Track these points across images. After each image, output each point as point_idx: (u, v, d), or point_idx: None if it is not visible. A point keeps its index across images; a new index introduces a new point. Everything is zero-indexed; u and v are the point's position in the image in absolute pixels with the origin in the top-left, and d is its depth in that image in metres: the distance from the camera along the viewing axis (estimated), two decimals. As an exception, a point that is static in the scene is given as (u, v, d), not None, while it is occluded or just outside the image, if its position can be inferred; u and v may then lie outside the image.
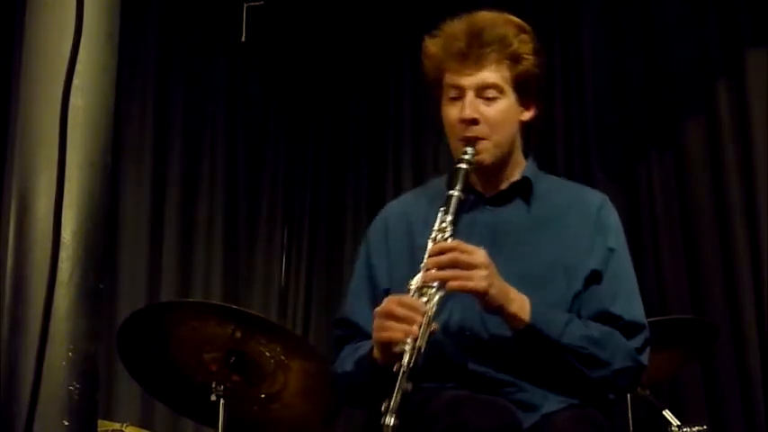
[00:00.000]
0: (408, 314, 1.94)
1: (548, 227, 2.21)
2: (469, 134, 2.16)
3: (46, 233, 1.98)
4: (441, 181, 2.27)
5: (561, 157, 4.37)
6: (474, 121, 2.16)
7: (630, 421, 3.26)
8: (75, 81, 1.78)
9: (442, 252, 2.01)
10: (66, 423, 2.15)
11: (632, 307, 2.17)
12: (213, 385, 2.77)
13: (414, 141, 4.80)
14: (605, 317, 2.13)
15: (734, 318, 3.86)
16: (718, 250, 3.96)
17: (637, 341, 2.13)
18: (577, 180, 4.28)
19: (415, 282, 2.00)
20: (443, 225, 2.06)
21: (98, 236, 2.27)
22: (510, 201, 2.25)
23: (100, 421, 2.81)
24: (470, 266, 2.00)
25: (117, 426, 3.22)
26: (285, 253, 4.97)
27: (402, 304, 1.96)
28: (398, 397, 1.85)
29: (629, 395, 3.22)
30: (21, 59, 2.37)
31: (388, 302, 1.99)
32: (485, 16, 2.20)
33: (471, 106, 2.16)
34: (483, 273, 2.00)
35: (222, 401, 2.75)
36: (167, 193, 4.66)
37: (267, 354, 2.82)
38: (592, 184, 4.19)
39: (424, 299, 1.97)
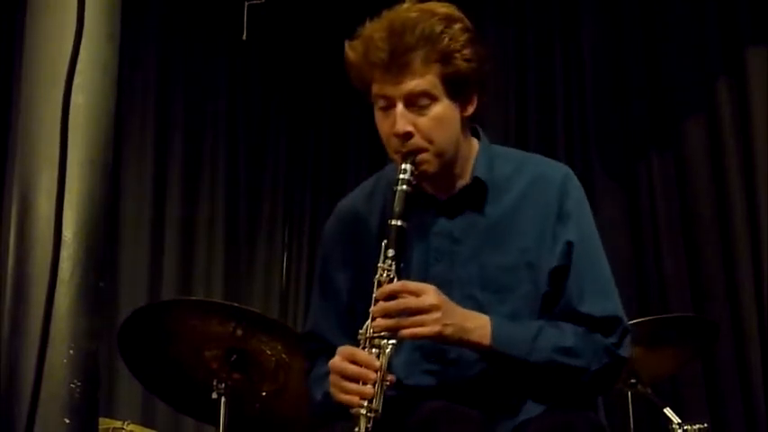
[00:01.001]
0: (361, 373, 1.87)
1: (507, 227, 2.07)
2: (406, 149, 1.99)
3: (47, 232, 1.99)
4: (392, 170, 2.12)
5: (562, 156, 4.36)
6: (408, 135, 1.98)
7: (631, 419, 3.26)
8: (76, 81, 1.79)
9: (388, 296, 1.90)
10: (68, 421, 2.16)
11: (603, 302, 2.04)
12: (214, 383, 2.77)
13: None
14: (575, 317, 2.02)
15: (735, 316, 3.86)
16: (719, 248, 3.96)
17: (614, 337, 2.03)
18: (578, 179, 4.30)
19: (364, 331, 1.92)
20: (387, 262, 1.93)
21: (99, 235, 2.28)
22: (464, 206, 2.10)
23: (101, 419, 2.81)
24: (420, 311, 1.90)
25: (118, 424, 3.22)
26: (286, 251, 4.97)
27: (354, 361, 1.90)
28: None
29: (629, 393, 3.22)
30: (22, 59, 2.37)
31: (341, 358, 1.92)
32: (406, 14, 1.98)
33: (402, 119, 1.97)
34: (435, 315, 1.90)
35: (223, 399, 2.75)
36: (168, 193, 4.66)
37: (268, 352, 2.82)
38: (592, 183, 4.20)
39: (376, 350, 1.90)
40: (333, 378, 1.93)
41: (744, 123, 3.95)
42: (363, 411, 1.86)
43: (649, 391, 3.17)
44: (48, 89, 2.22)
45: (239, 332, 2.76)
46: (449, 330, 1.92)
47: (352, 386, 1.88)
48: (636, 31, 4.28)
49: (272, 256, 4.94)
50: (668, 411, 3.07)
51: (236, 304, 2.91)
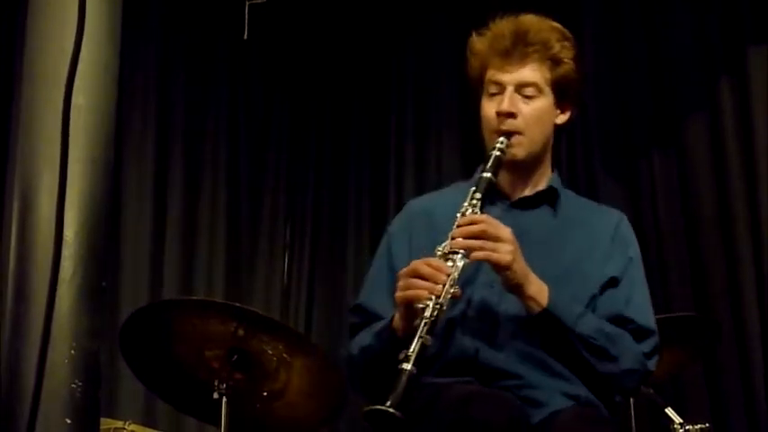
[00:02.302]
0: (433, 273, 1.99)
1: (569, 233, 2.27)
2: (505, 127, 2.22)
3: (48, 232, 1.98)
4: (466, 184, 2.30)
5: (564, 155, 4.36)
6: (511, 115, 2.21)
7: (633, 419, 3.26)
8: (77, 80, 1.79)
9: (470, 223, 2.06)
10: (69, 421, 2.15)
11: (644, 313, 2.22)
12: (215, 383, 2.77)
13: (416, 141, 4.79)
14: (618, 319, 2.17)
15: (737, 316, 3.86)
16: (721, 248, 3.96)
17: (646, 346, 2.18)
18: (580, 178, 4.33)
19: (442, 248, 2.05)
20: (473, 201, 2.11)
21: (100, 234, 2.27)
22: (536, 206, 2.30)
23: (102, 419, 2.81)
24: (497, 239, 2.04)
25: (119, 424, 3.22)
26: (287, 251, 4.97)
27: (428, 264, 2.00)
28: (418, 346, 1.89)
29: (631, 393, 3.22)
30: (22, 59, 2.37)
31: (415, 263, 2.03)
32: (531, 19, 2.29)
33: (510, 101, 2.22)
34: (509, 247, 2.04)
35: (224, 399, 2.75)
36: (169, 192, 4.66)
37: (269, 352, 2.82)
38: (594, 181, 4.21)
39: (450, 263, 2.01)
40: (402, 281, 2.03)
41: (745, 122, 3.95)
42: (430, 303, 1.95)
43: (651, 390, 3.17)
44: (48, 89, 2.22)
45: (241, 332, 2.76)
46: (516, 266, 2.06)
47: (423, 283, 1.99)
48: (637, 29, 4.28)
49: (273, 256, 4.94)
50: (670, 411, 3.08)
51: (237, 304, 2.91)
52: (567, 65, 2.26)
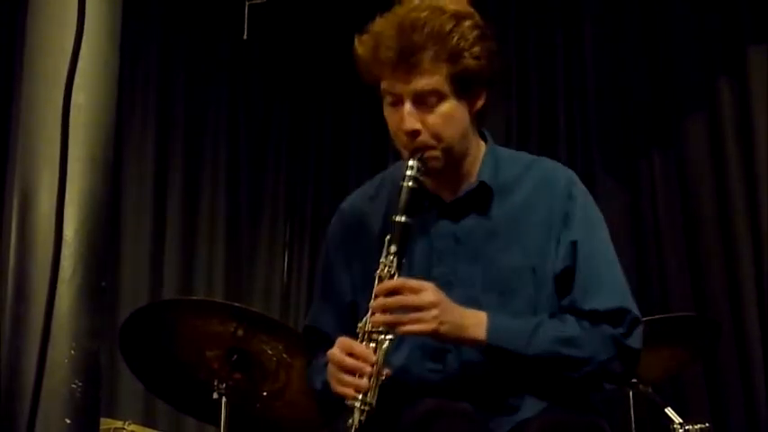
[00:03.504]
0: (357, 365, 1.90)
1: (511, 230, 2.08)
2: (414, 145, 2.01)
3: (48, 231, 1.98)
4: (400, 166, 2.09)
5: (563, 154, 4.36)
6: (416, 133, 2.00)
7: (632, 419, 3.25)
8: (77, 79, 1.78)
9: (388, 292, 1.93)
10: (69, 421, 2.15)
11: (609, 295, 2.04)
12: (215, 383, 2.77)
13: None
14: (580, 314, 2.03)
15: (736, 315, 3.86)
16: (721, 247, 3.96)
17: (622, 327, 2.02)
18: (580, 177, 4.30)
19: (363, 325, 1.95)
20: (389, 257, 1.95)
21: (100, 233, 2.27)
22: (469, 209, 2.10)
23: (102, 419, 2.80)
24: (418, 308, 1.92)
25: (119, 423, 3.22)
26: (287, 251, 4.97)
27: (351, 353, 1.92)
28: None
29: (631, 393, 3.21)
30: (22, 58, 2.37)
31: (339, 350, 1.95)
32: (416, 11, 1.98)
33: (411, 117, 2.00)
34: (432, 313, 1.92)
35: (224, 399, 2.75)
36: (169, 192, 4.66)
37: (269, 352, 2.82)
38: (594, 181, 4.20)
39: (373, 344, 1.92)
40: (330, 369, 1.96)
41: (745, 122, 3.95)
42: (357, 404, 1.89)
43: (650, 390, 3.16)
44: (48, 87, 2.22)
45: (240, 332, 2.76)
46: (445, 328, 1.94)
47: (348, 378, 1.91)
48: (637, 29, 4.28)
49: (273, 255, 4.94)
50: (669, 411, 3.07)
51: (237, 304, 2.91)
52: (469, 54, 1.97)
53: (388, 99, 2.06)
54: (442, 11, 1.99)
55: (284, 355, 2.83)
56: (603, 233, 2.12)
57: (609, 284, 2.07)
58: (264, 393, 2.91)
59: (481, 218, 2.10)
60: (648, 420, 3.60)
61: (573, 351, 1.99)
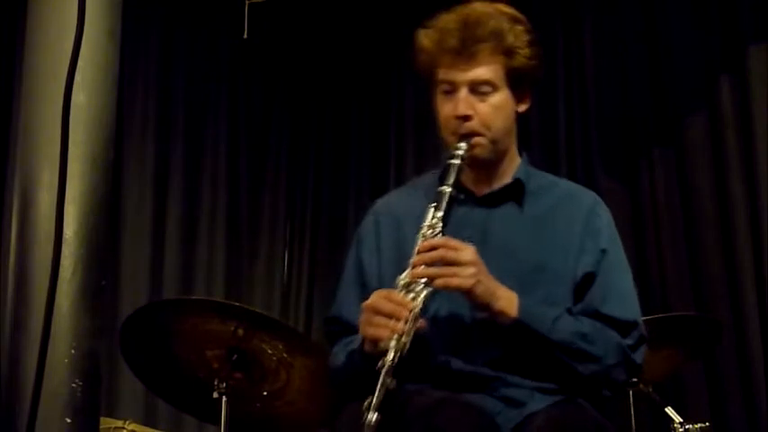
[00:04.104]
0: (394, 310, 1.94)
1: (537, 229, 2.19)
2: (463, 131, 2.14)
3: (48, 230, 1.98)
4: (432, 176, 2.24)
5: (563, 153, 4.36)
6: (467, 118, 2.14)
7: (633, 418, 3.25)
8: (77, 78, 1.79)
9: (430, 248, 2.00)
10: (69, 420, 2.16)
11: (624, 306, 2.15)
12: (215, 383, 2.77)
13: (416, 138, 4.79)
14: (596, 317, 2.11)
15: (736, 315, 3.86)
16: (721, 247, 3.95)
17: (629, 339, 2.12)
18: (580, 177, 4.33)
19: (403, 277, 2.00)
20: (433, 221, 2.04)
21: (100, 233, 2.27)
22: (501, 202, 2.23)
23: (102, 418, 2.80)
24: (457, 264, 1.99)
25: (119, 423, 3.22)
26: (287, 250, 4.97)
27: (389, 300, 1.97)
28: (381, 394, 1.86)
29: (631, 392, 3.22)
30: (23, 57, 2.37)
31: (375, 297, 1.99)
32: (478, 9, 2.17)
33: (465, 102, 2.14)
34: (470, 270, 2.00)
35: (224, 399, 2.75)
36: (169, 191, 4.66)
37: (269, 351, 2.82)
38: (594, 180, 4.20)
39: (411, 295, 1.97)
40: (366, 316, 2.00)
41: (745, 121, 3.95)
42: (393, 344, 1.91)
43: (651, 390, 3.17)
44: (49, 86, 2.22)
45: (240, 331, 2.76)
46: (480, 288, 2.01)
47: (384, 320, 1.95)
48: (638, 27, 4.28)
49: (273, 254, 4.94)
50: (670, 410, 3.07)
51: (237, 303, 2.91)
52: (522, 53, 2.16)
53: (443, 88, 2.19)
54: (501, 12, 2.19)
55: (284, 355, 2.83)
56: (623, 250, 2.25)
57: (626, 297, 2.18)
58: (265, 393, 2.91)
59: (513, 211, 2.21)
60: (649, 419, 3.61)
61: (587, 346, 2.06)
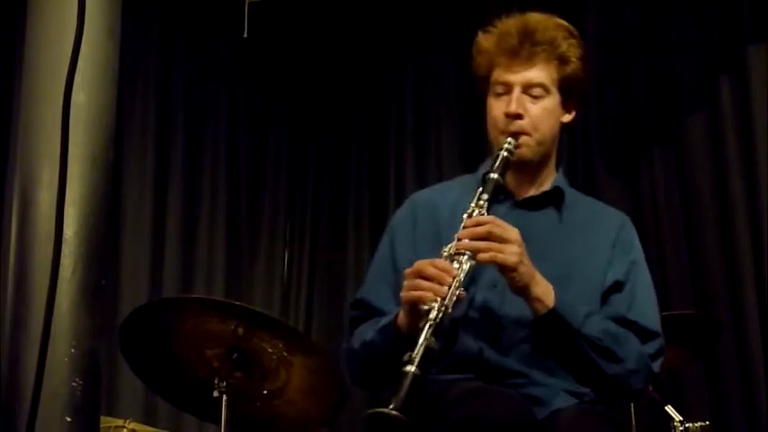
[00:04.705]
0: (439, 274, 1.98)
1: (573, 236, 2.25)
2: (513, 128, 2.21)
3: (48, 230, 1.98)
4: (470, 177, 2.32)
5: (563, 153, 4.35)
6: (518, 116, 2.21)
7: (633, 417, 3.26)
8: (77, 77, 1.79)
9: (477, 224, 2.05)
10: (69, 419, 2.15)
11: (648, 315, 2.21)
12: (215, 381, 2.77)
13: (416, 138, 4.79)
14: (621, 322, 2.16)
15: (737, 314, 3.86)
16: (721, 246, 3.96)
17: (650, 347, 2.17)
18: (580, 177, 4.33)
19: (447, 249, 2.04)
20: (480, 202, 2.09)
21: (100, 232, 2.27)
22: (541, 207, 2.29)
23: (102, 417, 2.81)
24: (504, 240, 2.03)
25: (119, 422, 3.22)
26: (287, 249, 4.97)
27: (434, 265, 2.00)
28: (422, 349, 1.88)
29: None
30: (23, 56, 2.37)
31: (421, 263, 2.02)
32: (537, 17, 2.28)
33: (517, 102, 2.21)
34: (515, 249, 2.03)
35: (224, 398, 2.75)
36: (169, 190, 4.66)
37: (269, 350, 2.82)
38: (594, 179, 4.21)
39: (456, 264, 2.00)
40: (408, 281, 2.02)
41: (745, 120, 3.95)
42: (435, 305, 1.94)
43: (651, 388, 3.17)
44: (48, 86, 2.22)
45: (240, 330, 2.76)
46: (523, 268, 2.05)
47: (428, 284, 1.97)
48: (637, 26, 4.28)
49: (273, 253, 4.94)
50: (670, 409, 3.08)
51: (237, 302, 2.90)
52: (574, 64, 2.25)
53: (497, 89, 2.26)
54: (558, 24, 2.31)
55: (284, 354, 2.83)
56: (647, 268, 2.32)
57: (651, 309, 2.25)
58: (265, 392, 2.91)
59: (553, 216, 2.28)
60: (649, 418, 3.61)
61: (614, 346, 2.11)
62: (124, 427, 3.19)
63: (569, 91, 2.27)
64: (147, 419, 3.91)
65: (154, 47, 4.68)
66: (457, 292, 1.97)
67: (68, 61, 1.76)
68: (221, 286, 4.71)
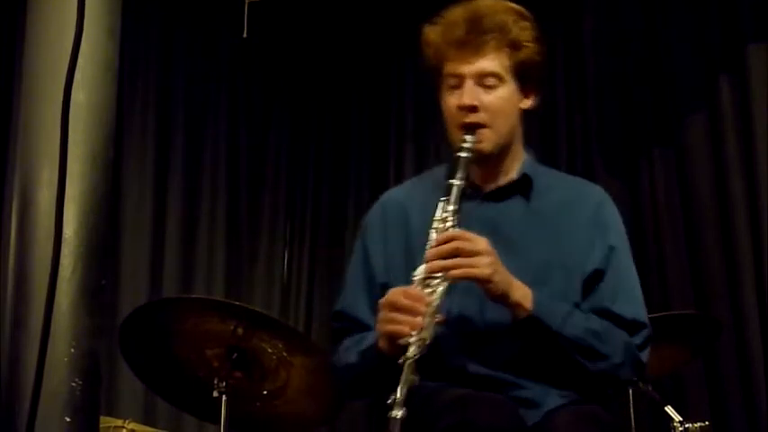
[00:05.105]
0: (413, 305, 1.94)
1: (546, 224, 2.18)
2: (468, 120, 2.14)
3: (48, 229, 1.98)
4: (440, 170, 2.24)
5: (563, 152, 4.37)
6: (473, 108, 2.13)
7: (633, 417, 3.25)
8: (77, 77, 1.78)
9: (444, 241, 2.00)
10: (69, 419, 2.16)
11: (633, 305, 2.16)
12: (215, 382, 2.77)
13: (416, 136, 4.79)
14: (606, 315, 2.12)
15: (736, 313, 3.85)
16: (721, 246, 3.95)
17: (638, 338, 2.13)
18: (579, 176, 4.31)
19: (419, 272, 1.99)
20: (445, 215, 2.04)
21: (100, 232, 2.27)
22: (509, 197, 2.22)
23: (102, 417, 2.80)
24: (473, 254, 1.99)
25: (119, 422, 3.21)
26: (287, 249, 4.97)
27: (407, 295, 1.96)
28: (405, 389, 1.84)
29: (630, 391, 3.22)
30: (23, 55, 2.37)
31: (393, 294, 1.98)
32: (485, 3, 2.18)
33: (470, 93, 2.14)
34: (487, 260, 1.99)
35: (224, 398, 2.75)
36: (169, 189, 4.66)
37: (269, 350, 2.82)
38: (593, 179, 4.19)
39: (429, 290, 1.96)
40: (383, 313, 1.99)
41: (745, 120, 3.95)
42: (413, 339, 1.90)
43: (650, 388, 3.17)
44: (48, 85, 2.22)
45: (240, 330, 2.76)
46: (497, 278, 2.01)
47: (403, 317, 1.94)
48: (637, 26, 4.28)
49: (273, 253, 4.94)
50: (669, 409, 3.07)
51: (237, 302, 2.91)
52: (528, 48, 2.16)
53: (450, 82, 2.18)
54: (507, 7, 2.19)
55: (284, 354, 2.83)
56: (629, 247, 2.25)
57: (635, 297, 2.19)
58: (264, 392, 2.91)
59: (521, 205, 2.20)
60: (648, 418, 3.61)
61: (597, 344, 2.07)
62: (124, 427, 3.19)
63: (525, 76, 2.18)
64: (147, 419, 3.91)
65: (154, 47, 4.68)
66: (435, 320, 1.94)
67: (68, 60, 1.76)
68: (221, 286, 4.70)
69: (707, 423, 3.02)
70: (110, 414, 3.41)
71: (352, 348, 2.15)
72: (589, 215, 2.20)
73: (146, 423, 3.53)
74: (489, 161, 2.20)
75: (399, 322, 1.93)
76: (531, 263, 2.12)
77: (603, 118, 4.33)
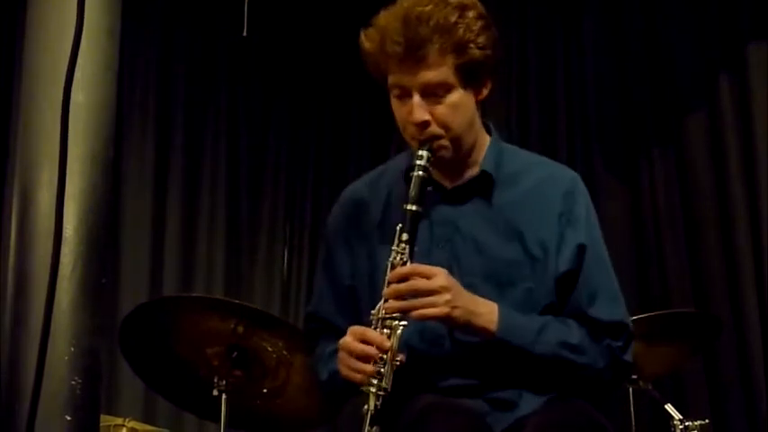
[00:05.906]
0: (370, 352, 1.90)
1: (509, 222, 2.08)
2: (423, 137, 2.03)
3: (48, 228, 1.99)
4: (402, 158, 2.18)
5: (563, 152, 4.37)
6: (425, 124, 2.02)
7: (632, 416, 3.26)
8: (77, 76, 1.79)
9: (400, 279, 1.93)
10: (69, 418, 2.16)
11: (610, 306, 2.07)
12: (215, 380, 2.77)
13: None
14: (584, 320, 2.05)
15: (736, 312, 3.86)
16: (721, 244, 3.96)
17: (620, 341, 2.06)
18: (580, 178, 4.30)
19: (376, 312, 1.94)
20: (401, 245, 1.96)
21: (100, 231, 2.28)
22: (470, 197, 2.12)
23: (102, 416, 2.80)
24: (430, 292, 1.93)
25: (119, 420, 3.22)
26: (287, 247, 4.98)
27: (364, 340, 1.92)
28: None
29: (630, 389, 3.22)
30: (22, 56, 2.37)
31: (351, 336, 1.94)
32: (420, 4, 1.99)
33: (419, 109, 2.01)
34: (445, 297, 1.93)
35: (224, 396, 2.75)
36: (169, 188, 4.66)
37: (269, 349, 2.82)
38: (594, 179, 4.20)
39: (387, 330, 1.92)
40: (342, 356, 1.96)
41: (745, 119, 3.95)
42: (373, 389, 1.88)
43: (650, 387, 3.17)
44: (48, 85, 2.23)
45: (240, 329, 2.76)
46: (457, 312, 1.95)
47: (360, 365, 1.91)
48: (637, 25, 4.28)
49: (273, 252, 4.95)
50: (669, 407, 3.07)
51: (237, 301, 2.91)
52: (473, 46, 1.99)
53: (395, 92, 2.07)
54: (446, 2, 2.00)
55: (284, 353, 2.83)
56: (601, 236, 2.14)
57: (612, 295, 2.10)
58: (264, 390, 2.91)
59: (482, 206, 2.10)
60: (648, 417, 3.61)
61: (575, 357, 2.01)
62: (124, 425, 3.19)
63: (474, 75, 2.02)
64: (147, 418, 3.92)
65: (154, 45, 4.68)
66: (395, 364, 1.91)
67: (68, 60, 1.76)
68: (221, 285, 4.71)
69: (707, 421, 3.02)
70: (110, 412, 3.42)
71: (325, 361, 2.12)
72: (557, 206, 2.09)
73: (146, 421, 3.54)
74: (449, 162, 2.10)
75: (357, 370, 1.91)
76: (498, 262, 2.05)
77: (603, 118, 4.33)
